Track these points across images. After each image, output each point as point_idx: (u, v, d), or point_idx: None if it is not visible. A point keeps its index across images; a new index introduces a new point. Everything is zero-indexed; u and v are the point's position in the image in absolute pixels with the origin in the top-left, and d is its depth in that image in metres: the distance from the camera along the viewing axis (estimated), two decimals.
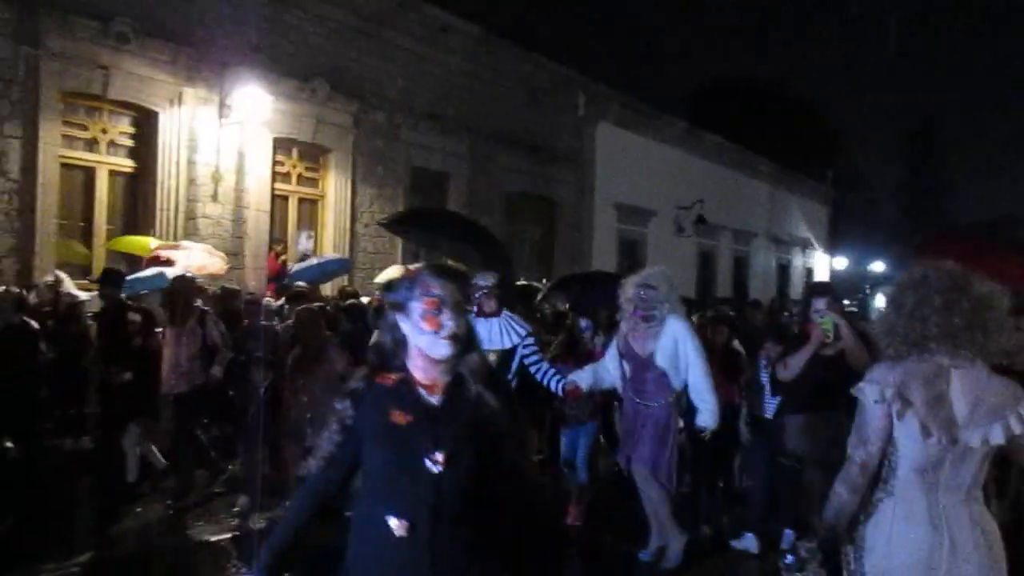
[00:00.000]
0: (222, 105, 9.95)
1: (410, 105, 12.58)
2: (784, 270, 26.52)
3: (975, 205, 42.48)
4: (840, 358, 4.45)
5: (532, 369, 4.98)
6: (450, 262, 8.40)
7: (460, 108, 13.46)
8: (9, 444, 6.29)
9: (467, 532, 2.08)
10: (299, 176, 11.44)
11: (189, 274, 6.78)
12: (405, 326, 2.14)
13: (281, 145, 10.96)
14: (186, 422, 6.29)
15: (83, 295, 7.26)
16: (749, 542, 5.23)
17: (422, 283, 2.14)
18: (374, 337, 2.60)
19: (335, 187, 11.59)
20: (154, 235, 9.22)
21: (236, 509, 5.85)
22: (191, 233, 9.60)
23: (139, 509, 5.86)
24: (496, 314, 5.03)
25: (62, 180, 8.69)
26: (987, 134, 53.82)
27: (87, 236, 9.10)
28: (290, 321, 6.70)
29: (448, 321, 2.09)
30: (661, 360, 4.66)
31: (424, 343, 2.11)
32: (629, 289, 4.79)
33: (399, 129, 12.45)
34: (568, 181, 16.33)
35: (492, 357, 4.81)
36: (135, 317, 6.33)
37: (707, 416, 4.66)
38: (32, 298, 6.82)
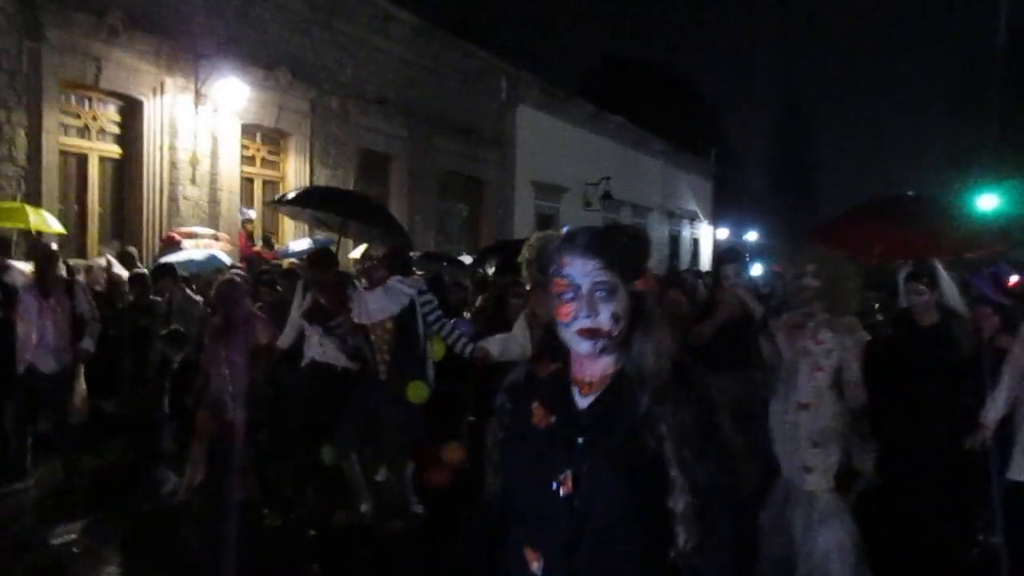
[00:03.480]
0: (198, 94, 10.59)
1: (359, 91, 13.42)
2: (675, 240, 28.72)
3: (841, 179, 46.50)
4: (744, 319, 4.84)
5: (436, 327, 5.04)
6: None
7: (402, 93, 14.38)
8: None
9: None
10: (262, 159, 12.18)
11: (54, 246, 6.72)
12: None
13: (247, 131, 11.63)
14: (57, 404, 5.99)
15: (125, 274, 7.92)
16: None
17: (556, 256, 1.64)
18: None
19: (294, 169, 12.38)
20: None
21: (166, 491, 5.87)
22: (174, 215, 10.28)
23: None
24: (382, 282, 5.10)
25: (60, 166, 9.19)
26: (854, 114, 58.52)
27: (82, 219, 9.64)
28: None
29: (580, 311, 1.58)
30: None
31: (563, 334, 1.63)
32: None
33: (349, 114, 13.29)
34: (493, 161, 17.54)
35: (389, 326, 5.05)
36: None
37: None
38: (81, 277, 7.33)
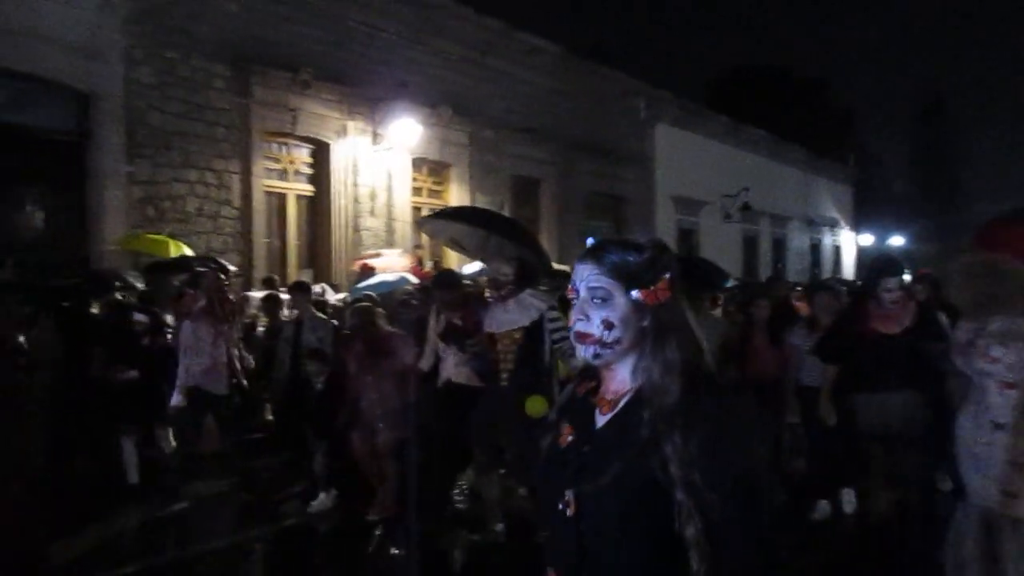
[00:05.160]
0: (375, 134, 11.73)
1: (509, 121, 14.32)
2: (816, 249, 28.24)
3: (987, 178, 44.06)
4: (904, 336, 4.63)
5: (558, 346, 4.93)
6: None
7: (547, 120, 15.18)
8: None
9: None
10: (428, 190, 13.24)
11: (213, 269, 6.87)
12: None
13: (415, 164, 12.70)
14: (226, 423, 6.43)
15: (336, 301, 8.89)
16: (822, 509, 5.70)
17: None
18: None
19: (456, 198, 13.35)
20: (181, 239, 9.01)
21: (313, 507, 5.98)
22: (357, 244, 11.40)
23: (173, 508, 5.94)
24: (513, 294, 5.09)
25: (265, 205, 10.46)
26: (998, 108, 55.34)
27: (282, 252, 10.91)
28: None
29: (576, 315, 1.62)
30: None
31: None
32: None
33: (502, 144, 14.20)
34: (634, 179, 18.09)
35: (516, 336, 5.02)
36: (141, 317, 6.44)
37: None
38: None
